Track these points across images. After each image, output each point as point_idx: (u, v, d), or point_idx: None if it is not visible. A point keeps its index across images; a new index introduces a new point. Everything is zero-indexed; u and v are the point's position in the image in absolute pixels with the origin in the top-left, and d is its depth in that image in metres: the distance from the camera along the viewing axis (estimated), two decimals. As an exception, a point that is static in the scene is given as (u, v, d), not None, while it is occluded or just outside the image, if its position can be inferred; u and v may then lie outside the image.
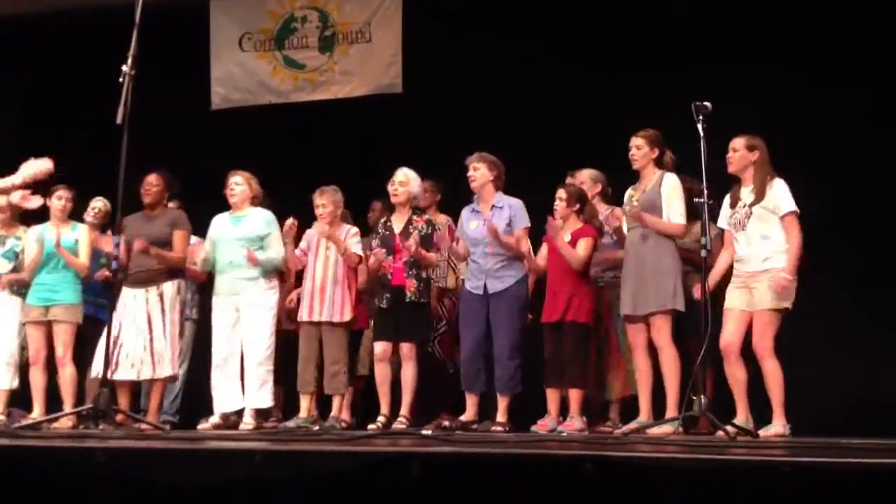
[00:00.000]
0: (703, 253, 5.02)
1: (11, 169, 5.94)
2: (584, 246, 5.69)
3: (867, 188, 6.67)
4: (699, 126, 4.97)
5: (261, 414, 6.19)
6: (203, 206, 6.53)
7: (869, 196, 6.66)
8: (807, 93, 6.70)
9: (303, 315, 6.16)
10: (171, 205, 6.46)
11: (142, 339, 6.08)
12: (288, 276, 6.57)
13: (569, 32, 7.48)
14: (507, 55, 7.60)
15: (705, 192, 5.01)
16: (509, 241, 5.75)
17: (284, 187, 6.58)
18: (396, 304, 5.99)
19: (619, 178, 5.78)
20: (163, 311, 6.13)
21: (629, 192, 5.64)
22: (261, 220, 6.19)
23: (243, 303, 6.06)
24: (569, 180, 6.14)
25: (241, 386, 6.05)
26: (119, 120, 4.87)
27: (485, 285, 5.81)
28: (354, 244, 6.18)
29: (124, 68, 4.96)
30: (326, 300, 6.10)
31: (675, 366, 5.33)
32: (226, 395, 6.06)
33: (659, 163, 5.55)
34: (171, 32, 7.62)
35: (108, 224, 6.77)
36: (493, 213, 5.87)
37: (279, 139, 8.06)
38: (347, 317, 6.10)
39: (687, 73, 6.73)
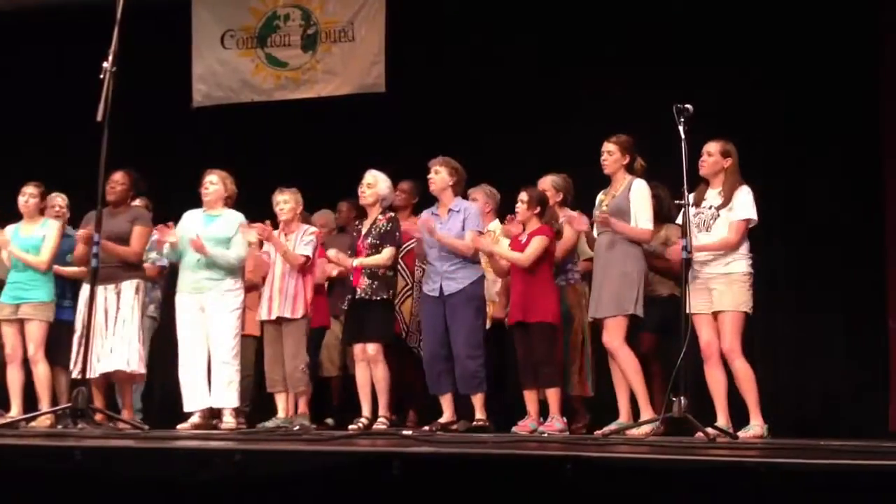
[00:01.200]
0: (684, 255, 5.03)
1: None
2: (533, 245, 5.65)
3: (846, 190, 6.72)
4: (680, 128, 4.99)
5: (241, 413, 6.16)
6: (182, 204, 6.47)
7: (847, 198, 6.71)
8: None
9: (262, 314, 6.13)
10: (136, 203, 6.38)
11: (99, 337, 6.02)
12: (257, 279, 6.50)
13: (554, 32, 7.49)
14: (491, 55, 7.60)
15: (686, 194, 5.03)
16: (455, 244, 5.75)
17: (265, 186, 6.55)
18: (357, 304, 5.99)
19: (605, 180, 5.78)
20: (118, 308, 6.05)
21: (600, 196, 5.68)
22: (232, 222, 6.10)
23: (207, 302, 5.99)
24: None
25: (209, 384, 5.99)
26: (99, 117, 4.82)
27: (441, 287, 5.82)
28: (306, 244, 6.12)
29: (105, 65, 4.91)
30: (283, 296, 6.06)
31: (633, 365, 5.37)
32: (193, 392, 6.00)
33: (630, 169, 5.57)
34: (152, 29, 7.59)
35: (68, 220, 6.70)
36: (450, 216, 5.87)
37: (261, 137, 8.02)
38: (300, 312, 6.05)
39: (680, 74, 6.74)
